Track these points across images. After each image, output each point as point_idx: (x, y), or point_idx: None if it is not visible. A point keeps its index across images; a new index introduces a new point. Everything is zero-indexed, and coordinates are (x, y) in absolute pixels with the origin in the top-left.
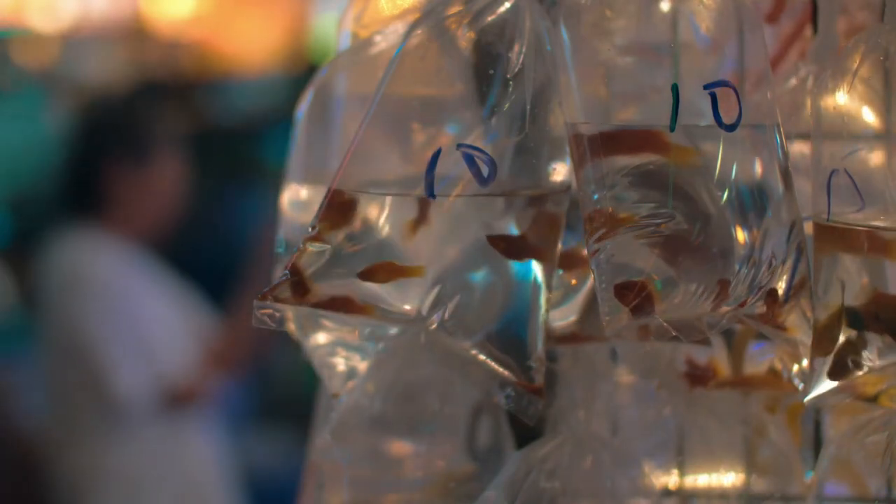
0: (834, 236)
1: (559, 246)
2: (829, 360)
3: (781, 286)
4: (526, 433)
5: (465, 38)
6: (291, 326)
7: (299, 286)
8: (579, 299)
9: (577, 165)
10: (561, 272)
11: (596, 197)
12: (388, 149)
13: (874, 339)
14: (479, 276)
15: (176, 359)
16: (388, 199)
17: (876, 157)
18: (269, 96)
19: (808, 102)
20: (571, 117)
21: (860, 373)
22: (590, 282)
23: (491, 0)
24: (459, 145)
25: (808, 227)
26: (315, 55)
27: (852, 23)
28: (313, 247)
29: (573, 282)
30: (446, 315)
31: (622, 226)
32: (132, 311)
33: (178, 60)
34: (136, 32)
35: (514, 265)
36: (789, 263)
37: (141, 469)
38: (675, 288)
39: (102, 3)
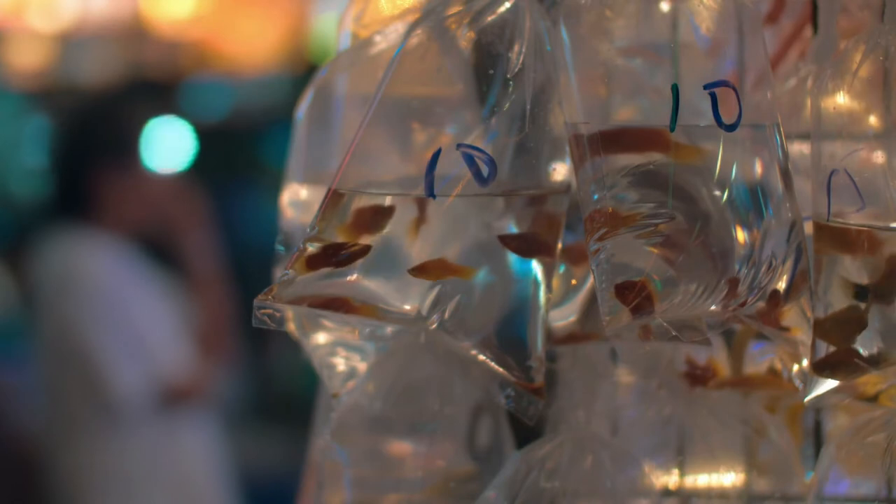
0: (834, 236)
1: (559, 246)
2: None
3: (781, 286)
4: (526, 433)
5: (465, 38)
6: (291, 326)
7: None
8: (579, 299)
9: (577, 165)
10: (562, 269)
11: (596, 197)
12: (387, 149)
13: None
14: (479, 275)
15: (171, 357)
16: (388, 199)
17: (876, 157)
18: (269, 96)
19: (808, 102)
20: (571, 117)
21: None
22: (590, 282)
23: (491, 0)
24: (459, 145)
25: (808, 227)
26: (315, 55)
27: (852, 23)
28: (313, 247)
29: (573, 282)
30: (446, 315)
31: (622, 226)
32: (126, 310)
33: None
34: (136, 32)
35: (515, 265)
36: (789, 263)
37: (138, 468)
38: (675, 288)
39: (102, 3)
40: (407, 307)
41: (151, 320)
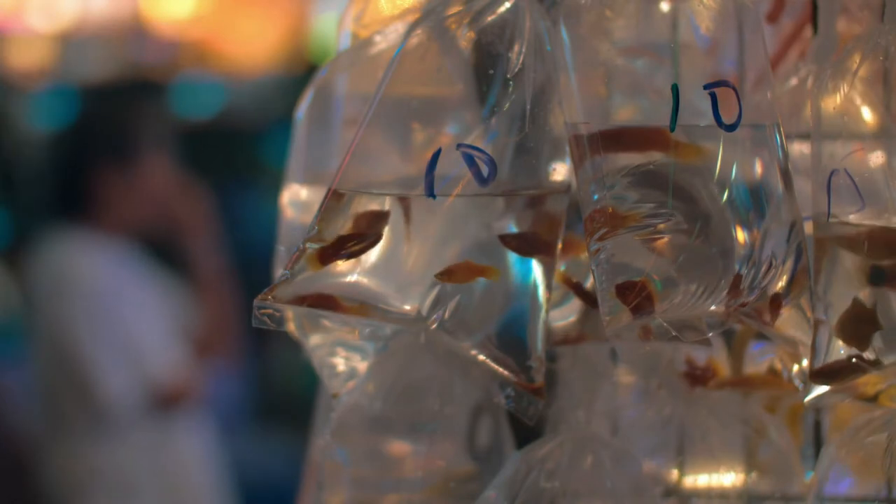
0: (834, 236)
1: (559, 246)
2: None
3: (781, 286)
4: (526, 433)
5: (465, 38)
6: (291, 326)
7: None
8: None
9: (577, 165)
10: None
11: (596, 197)
12: (387, 149)
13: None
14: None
15: (163, 360)
16: (388, 199)
17: (876, 157)
18: (269, 96)
19: (808, 102)
20: (571, 117)
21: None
22: (590, 282)
23: (491, 0)
24: (459, 145)
25: (808, 227)
26: (315, 55)
27: (852, 23)
28: (313, 247)
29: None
30: (446, 315)
31: (622, 226)
32: (119, 312)
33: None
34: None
35: (515, 265)
36: (789, 263)
37: (131, 470)
38: (675, 288)
39: (102, 3)
40: (407, 307)
41: (145, 323)
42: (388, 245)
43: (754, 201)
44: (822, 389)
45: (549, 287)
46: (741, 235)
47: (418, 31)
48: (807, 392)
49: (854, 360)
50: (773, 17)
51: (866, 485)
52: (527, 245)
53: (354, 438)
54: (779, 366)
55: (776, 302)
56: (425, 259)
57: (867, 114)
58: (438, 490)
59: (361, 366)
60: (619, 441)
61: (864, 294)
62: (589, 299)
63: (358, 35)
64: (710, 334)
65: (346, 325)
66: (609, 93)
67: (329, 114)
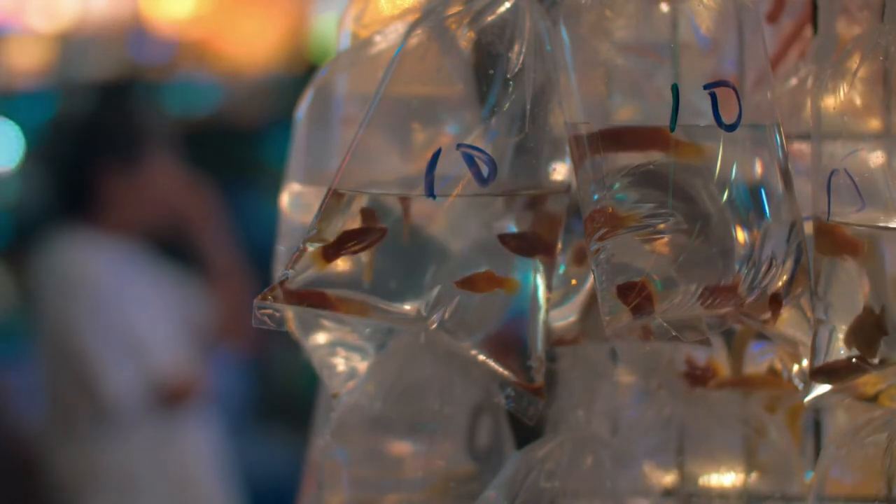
0: (834, 236)
1: (559, 246)
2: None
3: (781, 286)
4: (526, 433)
5: (465, 38)
6: (291, 326)
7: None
8: (579, 299)
9: (577, 165)
10: (562, 269)
11: (596, 197)
12: (388, 149)
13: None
14: None
15: (168, 358)
16: (388, 199)
17: (876, 157)
18: (269, 96)
19: (808, 102)
20: (571, 117)
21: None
22: (590, 282)
23: (491, 0)
24: (459, 145)
25: (808, 227)
26: (315, 55)
27: (852, 23)
28: (313, 247)
29: (573, 282)
30: (446, 315)
31: (622, 226)
32: (123, 311)
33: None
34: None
35: (515, 265)
36: (789, 263)
37: (136, 468)
38: (675, 288)
39: (102, 3)
40: (407, 307)
41: (149, 321)
42: (389, 245)
43: (754, 201)
44: (822, 389)
45: (549, 287)
46: (741, 235)
47: (418, 31)
48: (807, 392)
49: (854, 360)
50: (773, 17)
51: (866, 485)
52: (527, 245)
53: (354, 438)
54: (779, 366)
55: (776, 302)
56: (425, 259)
57: (867, 114)
58: (438, 490)
59: (361, 366)
60: (619, 441)
61: (865, 294)
62: None
63: (358, 35)
64: (710, 334)
65: (346, 325)
66: (609, 93)
67: (329, 114)
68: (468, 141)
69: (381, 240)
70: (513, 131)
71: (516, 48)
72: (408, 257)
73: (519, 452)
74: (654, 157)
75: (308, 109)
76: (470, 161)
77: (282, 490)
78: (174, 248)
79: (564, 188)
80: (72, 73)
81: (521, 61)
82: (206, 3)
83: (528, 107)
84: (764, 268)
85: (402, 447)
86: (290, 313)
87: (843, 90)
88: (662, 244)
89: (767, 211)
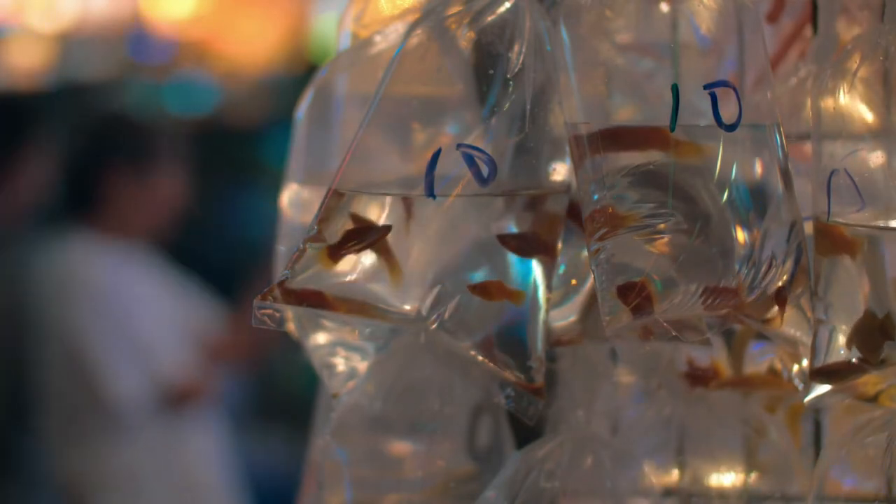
0: (834, 236)
1: (559, 246)
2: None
3: (781, 286)
4: (526, 433)
5: (465, 38)
6: (291, 326)
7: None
8: (579, 299)
9: (577, 165)
10: (562, 269)
11: (596, 197)
12: (388, 149)
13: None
14: (479, 276)
15: (173, 360)
16: (388, 199)
17: (876, 157)
18: (269, 96)
19: (808, 102)
20: (571, 117)
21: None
22: (590, 282)
23: (491, 0)
24: (459, 145)
25: (808, 227)
26: (315, 55)
27: (852, 23)
28: (313, 247)
29: (573, 282)
30: (446, 315)
31: (622, 226)
32: (128, 313)
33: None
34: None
35: (515, 265)
36: (789, 263)
37: (141, 470)
38: (676, 288)
39: (102, 3)
40: (407, 307)
41: (155, 323)
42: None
43: (754, 201)
44: (822, 389)
45: (549, 287)
46: (741, 235)
47: (418, 31)
48: (807, 392)
49: (854, 360)
50: (773, 17)
51: (866, 485)
52: (527, 245)
53: (354, 438)
54: (779, 366)
55: (778, 301)
56: (425, 259)
57: (867, 114)
58: (438, 490)
59: (361, 366)
60: (619, 441)
61: (865, 295)
62: None
63: (358, 35)
64: (710, 334)
65: (346, 325)
66: (609, 93)
67: (329, 114)
68: (468, 141)
69: (387, 234)
70: (513, 131)
71: (516, 48)
72: (408, 257)
73: (519, 452)
74: (654, 157)
75: (308, 109)
76: (470, 161)
77: (282, 490)
78: (171, 252)
79: (564, 188)
80: (72, 73)
81: (521, 61)
82: (206, 3)
83: (528, 107)
84: (764, 268)
85: (402, 447)
86: (290, 313)
87: (843, 90)
88: (662, 244)
89: (767, 211)
